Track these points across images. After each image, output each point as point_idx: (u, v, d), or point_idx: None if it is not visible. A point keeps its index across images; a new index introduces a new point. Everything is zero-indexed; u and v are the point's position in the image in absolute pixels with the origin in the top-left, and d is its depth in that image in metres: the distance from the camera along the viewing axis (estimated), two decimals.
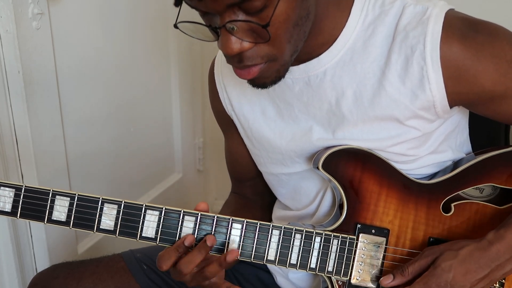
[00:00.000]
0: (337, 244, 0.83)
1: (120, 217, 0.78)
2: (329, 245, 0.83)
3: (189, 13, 0.73)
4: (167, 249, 0.78)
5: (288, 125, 0.90)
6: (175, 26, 0.71)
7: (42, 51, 1.26)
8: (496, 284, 0.85)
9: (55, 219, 0.77)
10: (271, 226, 0.81)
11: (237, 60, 0.72)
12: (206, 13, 0.71)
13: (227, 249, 0.80)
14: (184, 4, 0.70)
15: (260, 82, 0.76)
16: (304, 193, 0.94)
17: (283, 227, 0.81)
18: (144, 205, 0.78)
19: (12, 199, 0.77)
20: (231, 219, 0.80)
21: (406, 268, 0.79)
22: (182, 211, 0.78)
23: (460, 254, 0.77)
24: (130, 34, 1.63)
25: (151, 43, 1.75)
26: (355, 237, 0.83)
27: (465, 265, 0.76)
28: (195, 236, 0.78)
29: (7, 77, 1.21)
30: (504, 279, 0.85)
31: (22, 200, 0.77)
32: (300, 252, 0.82)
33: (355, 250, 0.83)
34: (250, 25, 0.68)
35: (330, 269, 0.83)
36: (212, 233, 0.79)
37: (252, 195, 1.08)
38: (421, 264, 0.79)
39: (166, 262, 0.77)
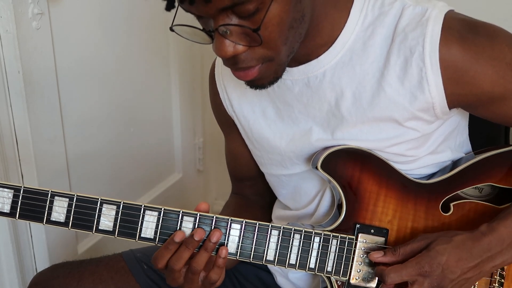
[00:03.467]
0: (336, 244, 0.83)
1: (119, 217, 0.78)
2: (328, 245, 0.83)
3: (187, 15, 0.72)
4: (160, 248, 0.78)
5: (288, 126, 0.90)
6: (171, 29, 0.71)
7: (42, 51, 1.26)
8: (495, 284, 0.85)
9: (54, 220, 0.77)
10: (270, 226, 0.81)
11: (232, 63, 0.72)
12: (200, 17, 0.71)
13: None
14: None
15: (259, 83, 0.76)
16: (304, 193, 0.94)
17: (282, 227, 0.81)
18: (143, 205, 0.78)
19: (11, 200, 0.77)
20: (230, 219, 0.80)
21: (398, 248, 0.80)
22: (181, 212, 0.78)
23: (454, 240, 0.77)
24: (130, 34, 1.62)
25: (151, 42, 1.75)
26: (354, 237, 0.83)
27: (458, 251, 0.76)
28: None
29: (7, 77, 1.21)
30: (504, 278, 0.85)
31: (21, 201, 0.76)
32: (299, 252, 0.82)
33: (354, 250, 0.83)
34: (244, 29, 0.68)
35: (329, 269, 0.83)
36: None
37: (253, 195, 1.08)
38: (413, 247, 0.79)
39: (160, 261, 0.78)
